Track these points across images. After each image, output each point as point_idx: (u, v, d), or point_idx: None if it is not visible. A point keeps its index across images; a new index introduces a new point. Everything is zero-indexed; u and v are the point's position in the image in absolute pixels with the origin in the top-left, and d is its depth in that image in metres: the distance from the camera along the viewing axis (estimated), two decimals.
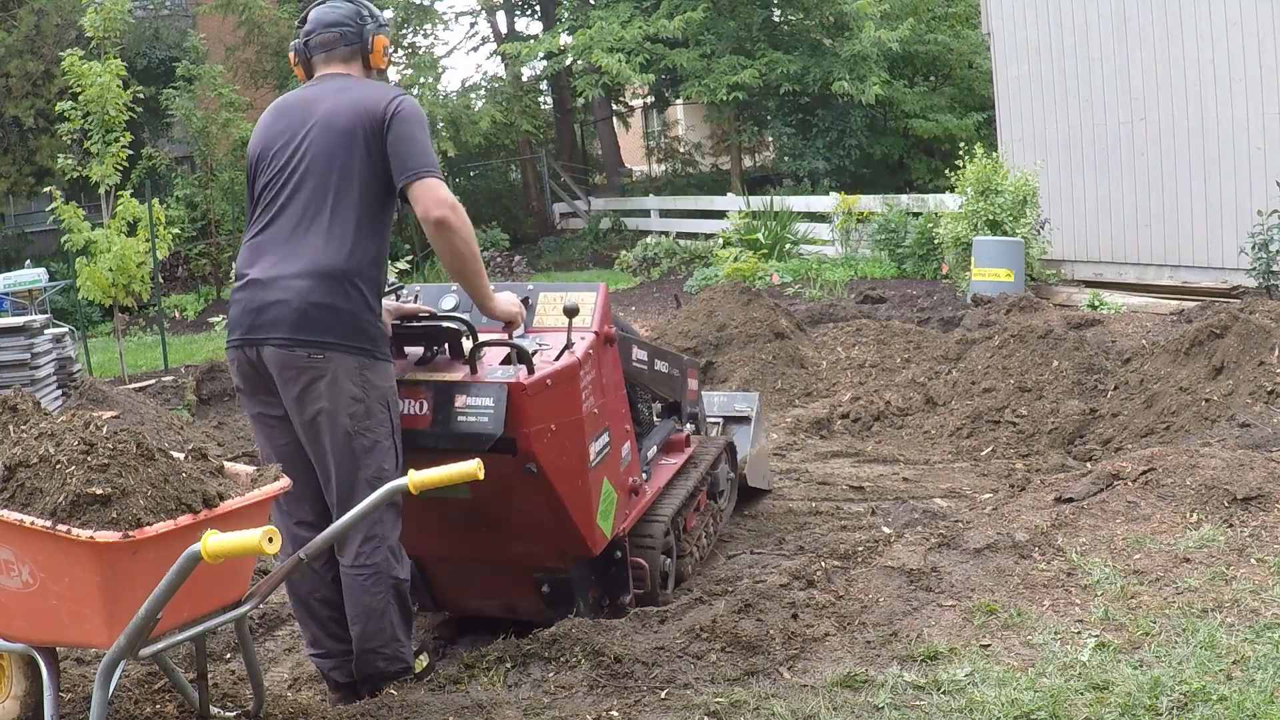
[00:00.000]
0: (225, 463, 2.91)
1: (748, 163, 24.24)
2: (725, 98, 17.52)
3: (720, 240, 15.60)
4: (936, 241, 12.18)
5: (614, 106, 24.86)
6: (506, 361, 3.28)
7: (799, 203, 16.15)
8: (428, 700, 3.02)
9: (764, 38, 18.44)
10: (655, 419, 4.45)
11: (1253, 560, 3.40)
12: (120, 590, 2.40)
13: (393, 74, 22.59)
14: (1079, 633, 3.09)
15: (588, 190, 24.05)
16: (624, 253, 17.19)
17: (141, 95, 10.70)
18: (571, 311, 3.36)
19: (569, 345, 3.37)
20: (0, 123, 17.02)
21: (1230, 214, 10.11)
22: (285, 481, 2.87)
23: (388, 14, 21.93)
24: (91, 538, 2.34)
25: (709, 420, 5.18)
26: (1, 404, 2.83)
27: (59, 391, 7.78)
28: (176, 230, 13.51)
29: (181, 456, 2.72)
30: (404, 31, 21.70)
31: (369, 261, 3.10)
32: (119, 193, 9.89)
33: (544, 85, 23.79)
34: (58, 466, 2.46)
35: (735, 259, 13.53)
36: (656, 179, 26.90)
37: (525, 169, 24.13)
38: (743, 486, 5.18)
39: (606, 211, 21.64)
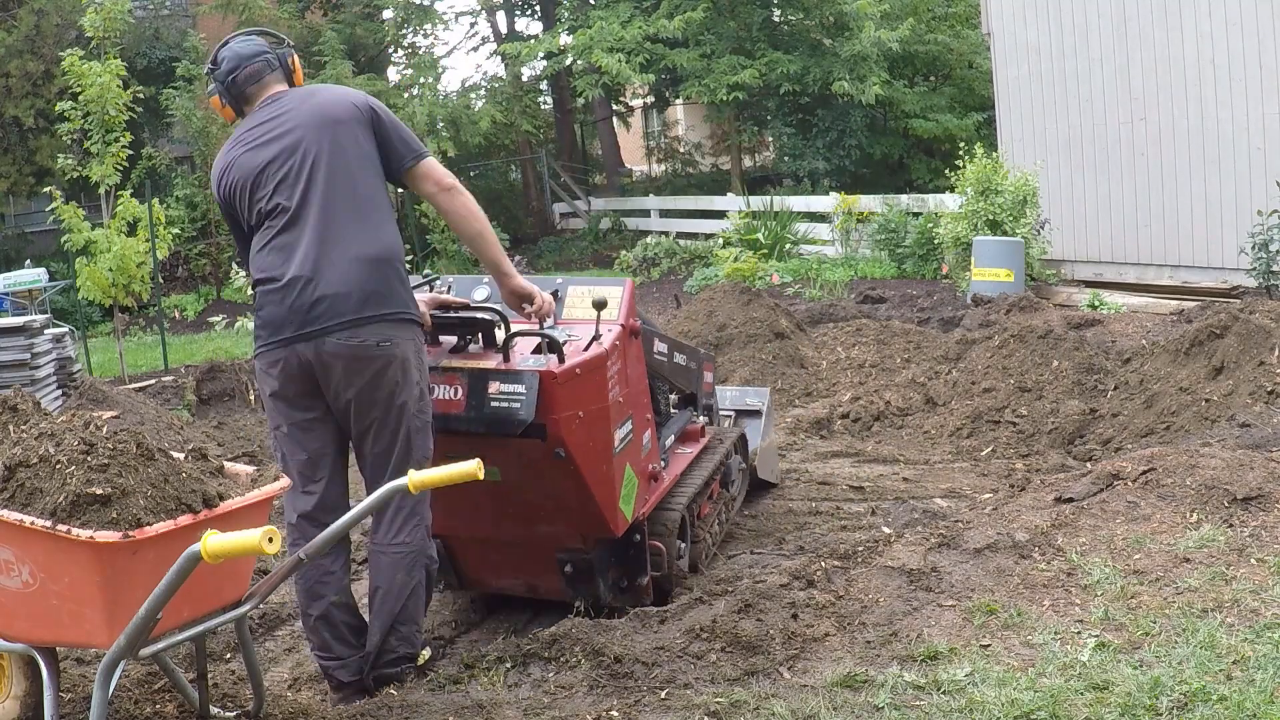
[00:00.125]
0: (225, 463, 2.91)
1: (748, 163, 24.24)
2: (725, 98, 17.53)
3: (720, 240, 15.60)
4: (936, 241, 12.18)
5: (614, 106, 24.86)
6: (538, 351, 3.43)
7: (799, 203, 16.15)
8: (428, 700, 3.02)
9: (764, 38, 18.44)
10: (672, 409, 4.62)
11: (1253, 560, 3.40)
12: (120, 590, 2.40)
13: (392, 74, 22.63)
14: (1079, 633, 3.09)
15: (588, 190, 24.05)
16: (624, 253, 17.19)
17: (141, 95, 10.70)
18: (600, 304, 3.49)
19: (597, 336, 3.51)
20: (0, 123, 17.02)
21: (1230, 214, 10.11)
22: (285, 482, 2.87)
23: (388, 14, 21.98)
24: (91, 538, 2.34)
25: (721, 413, 5.33)
26: (1, 404, 2.83)
27: (59, 391, 7.78)
28: (176, 230, 13.52)
29: (181, 456, 2.72)
30: (404, 31, 21.71)
31: (398, 241, 3.26)
32: (119, 193, 9.89)
33: (544, 85, 23.79)
34: (58, 466, 2.46)
35: (735, 259, 13.53)
36: (656, 179, 26.91)
37: (525, 169, 24.13)
38: (752, 478, 5.31)
39: (606, 211, 21.64)
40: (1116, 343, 7.78)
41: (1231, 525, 3.62)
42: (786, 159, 19.48)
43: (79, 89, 9.78)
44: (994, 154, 11.61)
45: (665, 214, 20.07)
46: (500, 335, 3.47)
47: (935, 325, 9.42)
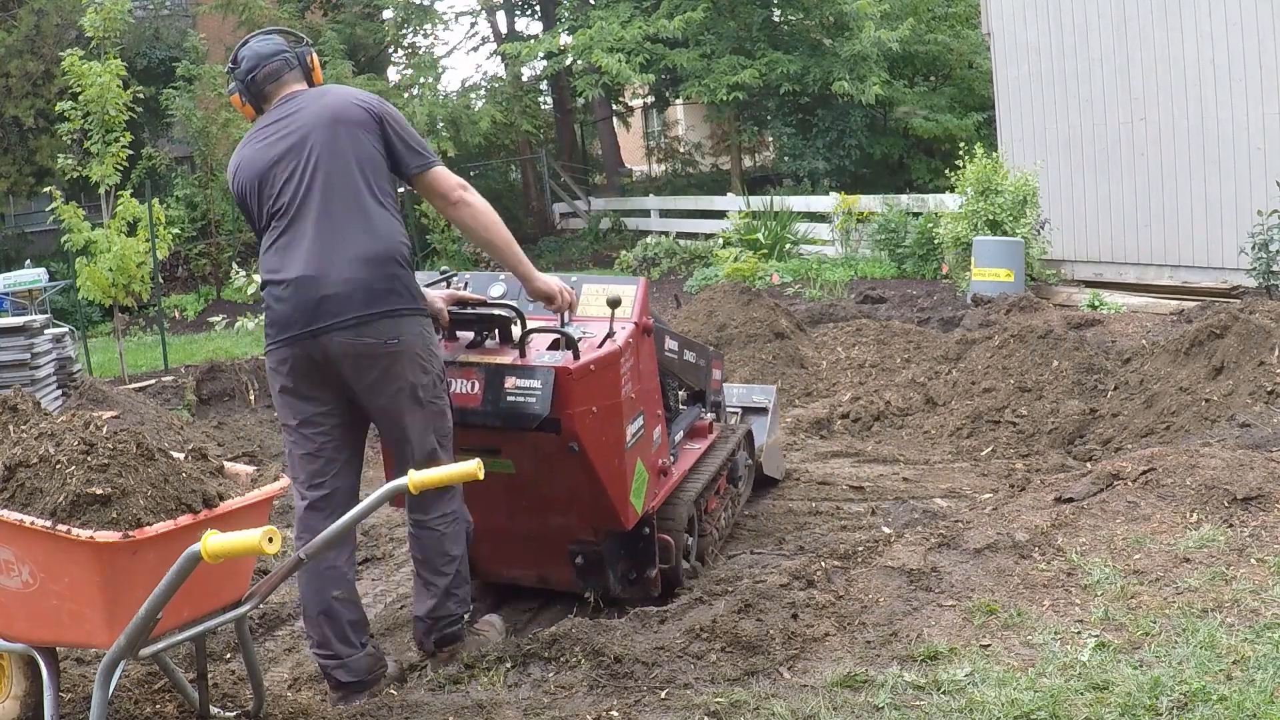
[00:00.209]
0: (225, 463, 2.92)
1: (748, 163, 24.24)
2: (725, 98, 17.53)
3: (720, 240, 15.60)
4: (936, 241, 12.18)
5: (614, 106, 24.86)
6: (554, 347, 3.53)
7: (799, 203, 16.15)
8: (428, 700, 3.02)
9: (764, 38, 18.44)
10: (682, 406, 4.71)
11: (1253, 560, 3.40)
12: (120, 590, 2.40)
13: (392, 74, 22.63)
14: (1079, 633, 3.09)
15: (588, 190, 24.05)
16: (624, 253, 17.19)
17: (141, 95, 10.69)
18: (614, 303, 3.56)
19: (611, 334, 3.59)
20: (0, 123, 17.02)
21: (1230, 214, 10.11)
22: (285, 481, 2.88)
23: (388, 14, 21.98)
24: (91, 538, 2.35)
25: (728, 410, 5.40)
26: (1, 404, 2.83)
27: (59, 391, 7.78)
28: (176, 230, 13.50)
29: (181, 456, 2.73)
30: (404, 31, 21.70)
31: (404, 239, 3.29)
32: (119, 193, 9.88)
33: (544, 85, 23.79)
34: (58, 466, 2.46)
35: (735, 259, 13.53)
36: (656, 179, 26.90)
37: (525, 169, 24.13)
38: (757, 475, 5.38)
39: (606, 211, 21.64)
40: (1116, 343, 7.78)
41: (1231, 525, 3.62)
42: (786, 159, 19.48)
43: (79, 89, 9.78)
44: (994, 154, 11.60)
45: (665, 214, 20.07)
46: (516, 331, 3.56)
47: (935, 325, 9.42)
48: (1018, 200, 10.92)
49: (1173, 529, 3.65)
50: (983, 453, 6.19)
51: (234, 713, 3.04)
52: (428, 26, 21.81)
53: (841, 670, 2.98)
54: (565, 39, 19.09)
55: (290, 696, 3.35)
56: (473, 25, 25.75)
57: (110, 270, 9.54)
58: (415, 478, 2.67)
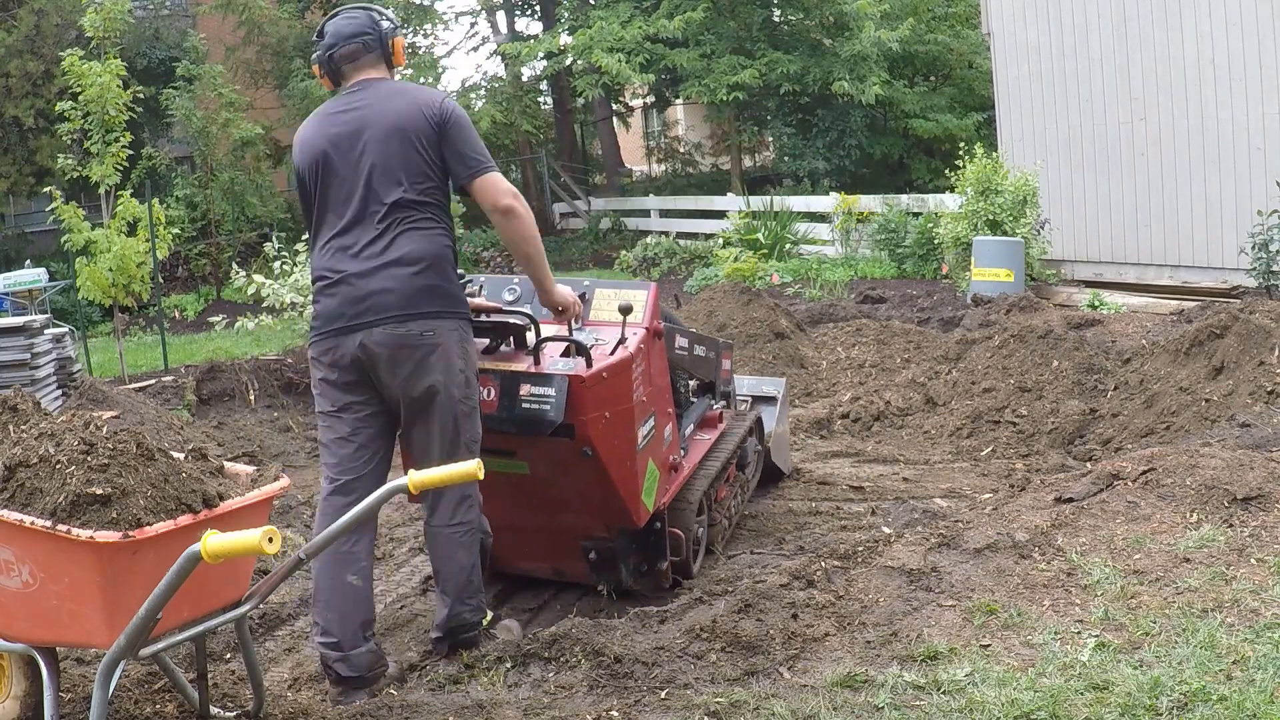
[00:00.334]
0: (225, 463, 2.92)
1: (748, 163, 24.23)
2: (725, 98, 17.52)
3: (720, 240, 15.59)
4: (936, 241, 12.17)
5: (614, 106, 24.85)
6: (567, 354, 3.62)
7: (799, 203, 16.14)
8: (428, 700, 3.02)
9: (764, 38, 18.44)
10: (692, 398, 4.80)
11: (1253, 560, 3.40)
12: (120, 590, 2.40)
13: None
14: (1079, 633, 3.09)
15: (588, 190, 24.05)
16: (624, 253, 17.19)
17: (141, 95, 10.68)
18: (626, 310, 3.66)
19: (623, 340, 3.68)
20: (0, 123, 17.01)
21: (1230, 214, 10.11)
22: (285, 481, 2.88)
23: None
24: (91, 538, 2.35)
25: (738, 398, 5.48)
26: (1, 404, 2.83)
27: (59, 391, 7.78)
28: (176, 230, 13.49)
29: (181, 456, 2.73)
30: (404, 31, 21.67)
31: (449, 243, 3.39)
32: (119, 193, 9.88)
33: (544, 85, 23.79)
34: (58, 466, 2.46)
35: (735, 259, 13.52)
36: (656, 179, 26.89)
37: (525, 169, 24.13)
38: (766, 466, 5.43)
39: (606, 211, 21.64)
40: (1116, 343, 7.78)
41: (1231, 525, 3.62)
42: (786, 159, 19.48)
43: (79, 89, 9.76)
44: (994, 154, 11.60)
45: (665, 214, 20.07)
46: (531, 339, 3.64)
47: (935, 325, 9.41)
48: (1018, 200, 10.92)
49: (1173, 529, 3.65)
50: (983, 453, 6.19)
51: (234, 713, 3.04)
52: (428, 26, 21.81)
53: (841, 670, 2.98)
54: (565, 39, 19.09)
55: (290, 696, 3.35)
56: (473, 25, 25.75)
57: (110, 270, 9.53)
58: (415, 478, 2.67)
